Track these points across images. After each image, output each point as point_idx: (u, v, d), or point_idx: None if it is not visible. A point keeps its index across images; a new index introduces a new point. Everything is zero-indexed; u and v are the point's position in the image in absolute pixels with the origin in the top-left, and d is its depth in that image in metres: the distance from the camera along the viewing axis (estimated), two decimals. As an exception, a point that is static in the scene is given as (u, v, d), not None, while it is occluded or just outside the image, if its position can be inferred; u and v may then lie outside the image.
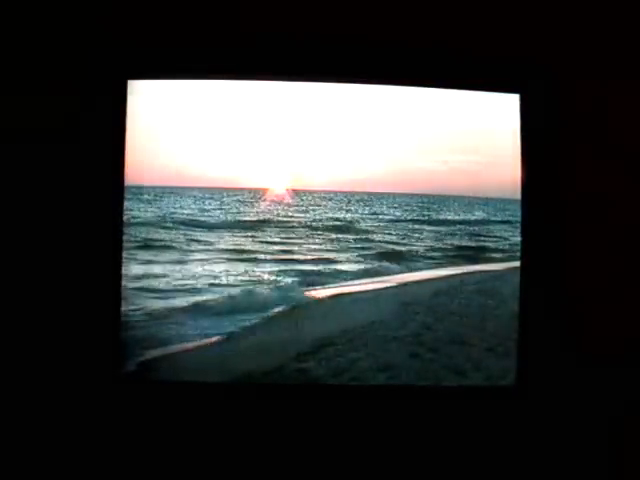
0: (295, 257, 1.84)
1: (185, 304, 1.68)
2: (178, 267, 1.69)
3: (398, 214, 1.96)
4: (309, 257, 1.86)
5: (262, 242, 1.78)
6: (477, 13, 1.57)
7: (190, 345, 1.65)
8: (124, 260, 1.56)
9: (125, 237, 1.57)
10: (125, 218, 1.57)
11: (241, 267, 1.76)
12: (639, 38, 1.58)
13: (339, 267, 1.87)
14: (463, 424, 1.60)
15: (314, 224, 1.85)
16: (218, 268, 1.75)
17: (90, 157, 1.54)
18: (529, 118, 1.59)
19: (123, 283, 1.56)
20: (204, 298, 1.71)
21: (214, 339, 1.69)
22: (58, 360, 1.55)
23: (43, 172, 1.54)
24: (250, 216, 1.81)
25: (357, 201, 2.03)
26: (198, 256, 1.74)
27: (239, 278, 1.75)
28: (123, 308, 1.56)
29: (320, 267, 1.85)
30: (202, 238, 1.82)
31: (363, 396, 1.63)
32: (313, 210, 1.88)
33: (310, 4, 1.55)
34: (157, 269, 1.67)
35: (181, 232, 1.84)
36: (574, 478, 1.60)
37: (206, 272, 1.73)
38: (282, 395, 1.62)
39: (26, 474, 1.56)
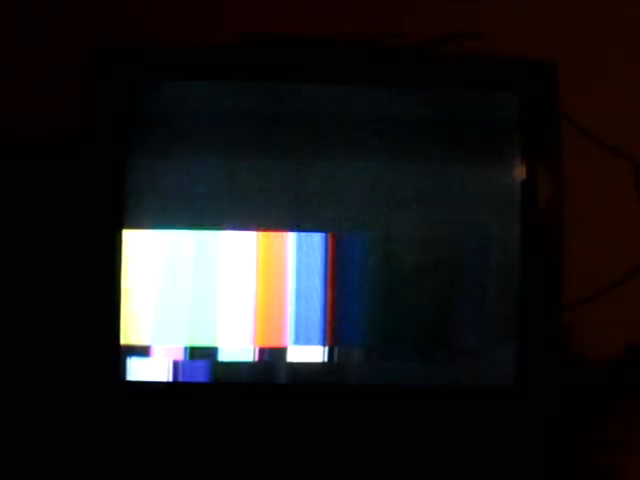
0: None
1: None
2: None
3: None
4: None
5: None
6: (476, 12, 1.58)
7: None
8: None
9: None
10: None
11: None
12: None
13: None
14: (460, 425, 1.60)
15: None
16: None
17: (90, 160, 1.54)
18: (529, 118, 1.59)
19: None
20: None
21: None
22: (53, 361, 1.56)
23: (43, 173, 1.55)
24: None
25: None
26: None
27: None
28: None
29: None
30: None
31: (359, 396, 1.63)
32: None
33: (313, 5, 1.56)
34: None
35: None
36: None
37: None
38: (283, 395, 1.62)
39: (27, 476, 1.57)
